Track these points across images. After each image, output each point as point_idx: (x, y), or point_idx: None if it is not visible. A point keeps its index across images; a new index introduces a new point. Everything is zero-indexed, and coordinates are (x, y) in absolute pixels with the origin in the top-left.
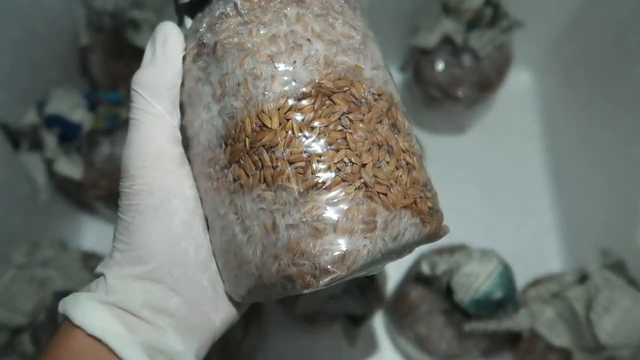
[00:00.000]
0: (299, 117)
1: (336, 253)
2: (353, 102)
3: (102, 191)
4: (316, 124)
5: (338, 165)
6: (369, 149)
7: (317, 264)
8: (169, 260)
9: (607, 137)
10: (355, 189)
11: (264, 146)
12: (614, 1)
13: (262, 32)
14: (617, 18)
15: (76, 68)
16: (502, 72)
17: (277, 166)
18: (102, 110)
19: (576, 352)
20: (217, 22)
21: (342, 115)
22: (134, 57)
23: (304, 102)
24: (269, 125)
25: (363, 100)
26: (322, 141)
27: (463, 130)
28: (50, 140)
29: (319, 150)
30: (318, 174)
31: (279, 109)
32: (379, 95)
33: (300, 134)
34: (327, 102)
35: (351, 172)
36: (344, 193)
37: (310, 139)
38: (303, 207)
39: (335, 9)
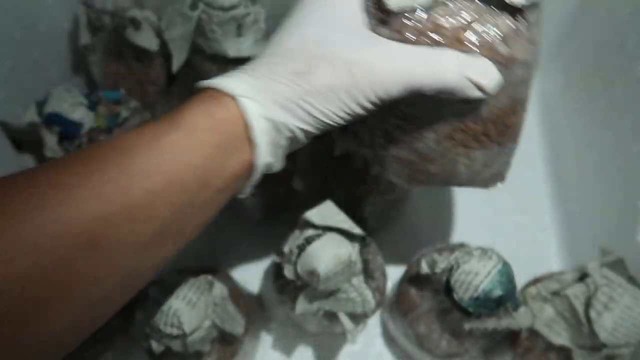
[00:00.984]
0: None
1: None
2: None
3: None
4: None
5: None
6: None
7: None
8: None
9: (607, 137)
10: None
11: None
12: (613, 1)
13: None
14: (617, 18)
15: (76, 67)
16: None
17: None
18: (102, 109)
19: (576, 351)
20: None
21: None
22: (134, 57)
23: None
24: None
25: None
26: None
27: None
28: (50, 139)
29: None
30: None
31: None
32: None
33: None
34: None
35: None
36: None
37: None
38: None
39: None
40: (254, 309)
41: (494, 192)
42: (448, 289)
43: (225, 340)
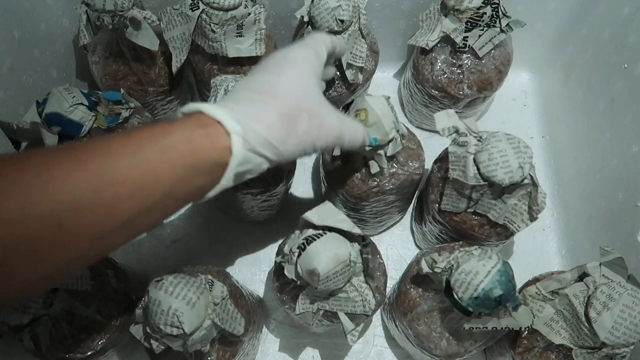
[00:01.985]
0: None
1: None
2: None
3: None
4: None
5: None
6: None
7: None
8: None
9: (607, 136)
10: None
11: None
12: (613, 1)
13: None
14: (616, 18)
15: (76, 67)
16: (501, 71)
17: None
18: (102, 109)
19: (575, 350)
20: None
21: None
22: (134, 57)
23: None
24: None
25: None
26: None
27: None
28: (50, 139)
29: None
30: None
31: None
32: None
33: None
34: None
35: None
36: None
37: None
38: None
39: None
40: (254, 309)
41: None
42: (448, 289)
43: (225, 340)
